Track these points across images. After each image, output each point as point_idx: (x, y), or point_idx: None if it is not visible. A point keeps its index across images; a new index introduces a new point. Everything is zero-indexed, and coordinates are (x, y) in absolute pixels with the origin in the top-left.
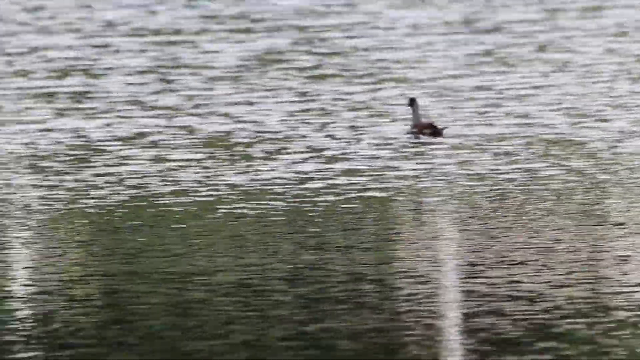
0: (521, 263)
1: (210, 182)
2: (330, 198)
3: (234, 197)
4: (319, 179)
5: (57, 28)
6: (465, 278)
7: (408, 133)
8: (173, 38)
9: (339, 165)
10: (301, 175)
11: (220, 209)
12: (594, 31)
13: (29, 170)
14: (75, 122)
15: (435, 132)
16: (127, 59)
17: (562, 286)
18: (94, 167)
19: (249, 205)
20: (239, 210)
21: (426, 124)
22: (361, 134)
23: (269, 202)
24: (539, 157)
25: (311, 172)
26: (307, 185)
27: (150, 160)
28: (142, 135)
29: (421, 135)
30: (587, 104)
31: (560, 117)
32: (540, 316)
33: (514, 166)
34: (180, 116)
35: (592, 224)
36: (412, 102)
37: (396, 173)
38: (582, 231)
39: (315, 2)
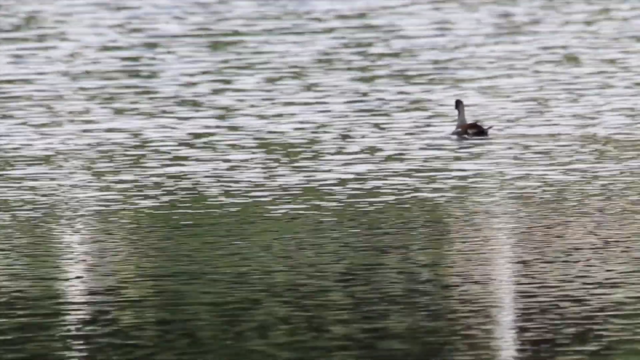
0: (574, 263)
1: (265, 183)
2: (384, 198)
3: (287, 197)
4: (372, 179)
5: (113, 29)
6: (518, 278)
7: (453, 133)
8: (230, 38)
9: (392, 166)
10: (355, 176)
11: (273, 209)
12: None
13: (85, 170)
14: (131, 122)
15: (480, 131)
16: (184, 59)
17: (615, 286)
18: (149, 167)
19: (303, 206)
20: (293, 211)
21: (470, 123)
22: (415, 134)
23: (322, 202)
24: (591, 156)
25: (365, 172)
26: (360, 186)
27: (206, 160)
28: (197, 135)
29: (466, 135)
30: None
31: (614, 116)
32: (592, 315)
33: (565, 167)
34: (236, 116)
35: None
36: (457, 104)
37: (447, 173)
38: (636, 230)
39: (371, 3)
